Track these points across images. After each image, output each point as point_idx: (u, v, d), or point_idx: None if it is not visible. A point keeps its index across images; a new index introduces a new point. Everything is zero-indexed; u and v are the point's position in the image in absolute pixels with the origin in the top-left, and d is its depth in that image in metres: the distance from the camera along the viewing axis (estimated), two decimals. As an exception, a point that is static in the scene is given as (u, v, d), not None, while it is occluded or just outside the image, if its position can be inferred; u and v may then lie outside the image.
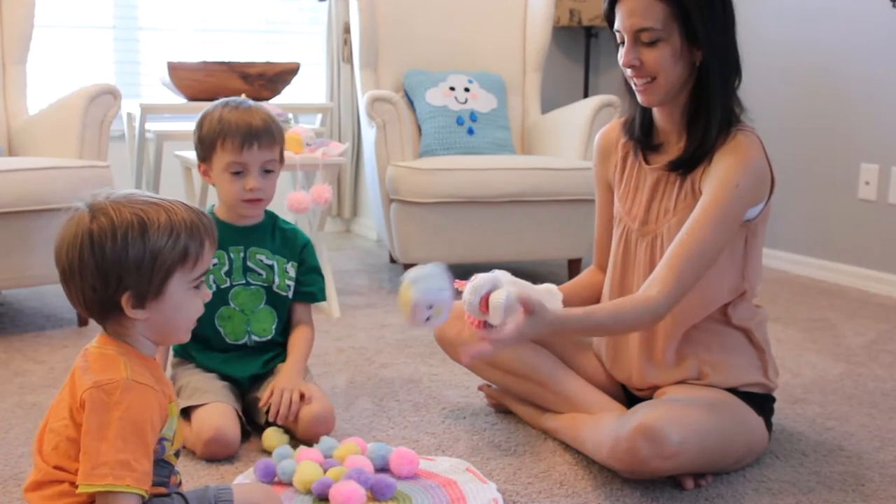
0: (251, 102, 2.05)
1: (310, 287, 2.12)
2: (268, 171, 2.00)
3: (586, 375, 2.01)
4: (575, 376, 1.99)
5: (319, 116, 3.96)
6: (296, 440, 1.95)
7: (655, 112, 1.87)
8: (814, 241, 3.76)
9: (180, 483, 1.43)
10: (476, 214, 3.25)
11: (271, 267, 2.06)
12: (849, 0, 3.53)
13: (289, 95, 3.78)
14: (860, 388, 2.36)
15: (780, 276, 3.75)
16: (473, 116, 3.56)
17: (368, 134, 3.44)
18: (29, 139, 3.07)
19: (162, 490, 1.36)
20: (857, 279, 3.56)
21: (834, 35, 3.61)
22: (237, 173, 1.98)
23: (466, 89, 3.60)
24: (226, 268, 2.03)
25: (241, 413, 1.95)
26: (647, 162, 1.90)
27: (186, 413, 1.91)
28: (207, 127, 1.99)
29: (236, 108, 2.00)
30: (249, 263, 2.05)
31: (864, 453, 1.94)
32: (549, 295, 1.92)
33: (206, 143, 2.00)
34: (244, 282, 2.05)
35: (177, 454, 1.39)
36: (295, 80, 3.64)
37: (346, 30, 4.38)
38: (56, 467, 1.28)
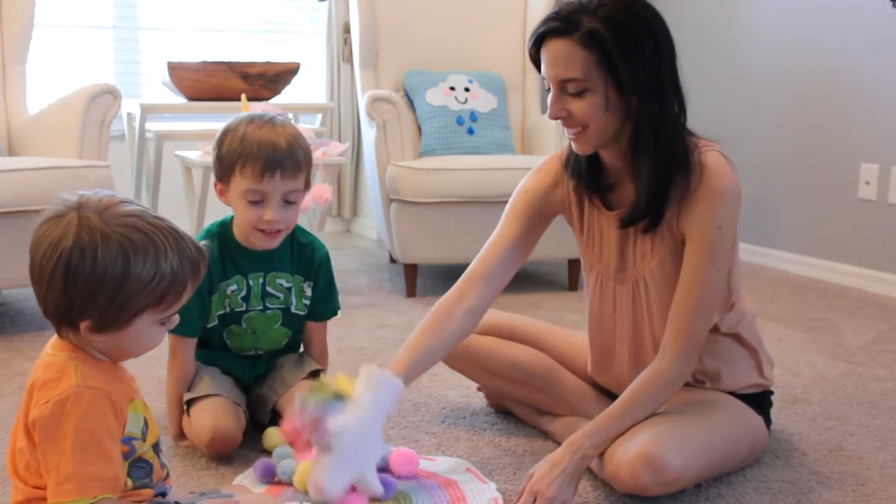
0: (280, 120, 1.85)
1: (320, 306, 2.01)
2: (289, 202, 1.82)
3: (582, 374, 2.00)
4: (572, 377, 1.99)
5: (319, 116, 3.97)
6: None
7: (600, 151, 1.73)
8: (814, 241, 3.76)
9: (167, 477, 1.38)
10: (476, 214, 3.24)
11: (290, 289, 1.95)
12: (849, 0, 3.53)
13: (289, 95, 3.79)
14: (860, 388, 2.36)
15: (780, 276, 3.75)
16: (473, 116, 3.56)
17: (368, 134, 3.44)
18: (29, 139, 3.07)
19: (147, 493, 1.32)
20: (857, 279, 3.56)
21: (834, 35, 3.61)
22: (256, 202, 1.80)
23: (466, 89, 3.60)
24: (243, 293, 1.92)
25: (243, 406, 1.94)
26: (605, 205, 1.77)
27: (188, 408, 1.92)
28: (228, 145, 1.80)
29: (261, 126, 1.80)
30: (269, 289, 1.93)
31: (864, 453, 1.94)
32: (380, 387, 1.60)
33: (226, 164, 1.81)
34: (261, 307, 1.94)
35: (156, 448, 1.34)
36: (295, 80, 3.65)
37: (346, 30, 4.38)
38: (36, 487, 1.25)
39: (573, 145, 1.71)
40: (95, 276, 1.19)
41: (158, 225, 1.24)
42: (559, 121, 1.68)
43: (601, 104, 1.62)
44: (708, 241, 1.66)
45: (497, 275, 1.83)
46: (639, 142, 1.66)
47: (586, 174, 1.77)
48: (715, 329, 1.78)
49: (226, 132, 1.83)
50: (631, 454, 1.60)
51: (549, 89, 1.67)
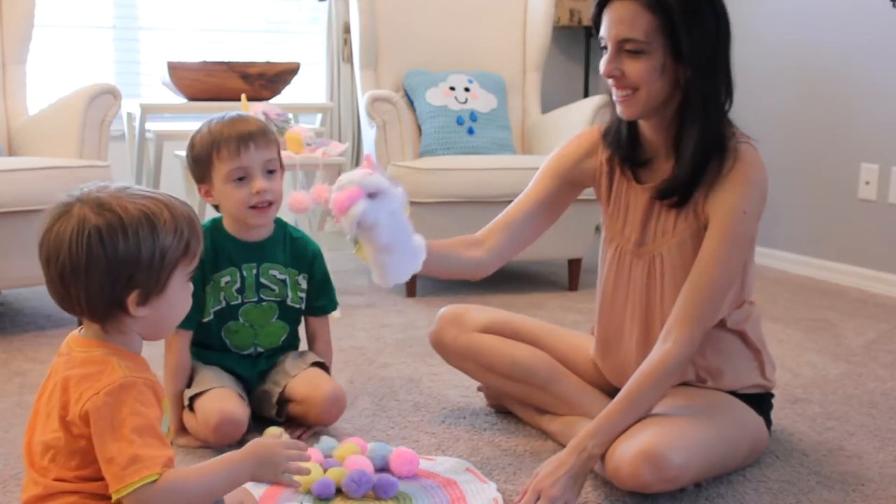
0: (235, 113, 1.98)
1: (319, 301, 2.07)
2: (271, 172, 1.92)
3: (582, 374, 2.01)
4: (571, 376, 1.99)
5: (319, 116, 3.97)
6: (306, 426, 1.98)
7: (641, 123, 1.78)
8: (814, 241, 3.76)
9: None
10: (476, 214, 3.22)
11: (284, 281, 2.00)
12: (849, 0, 3.53)
13: (289, 95, 3.79)
14: (860, 388, 2.36)
15: (780, 276, 3.75)
16: (473, 116, 3.56)
17: (368, 134, 3.44)
18: (29, 139, 3.07)
19: None
20: (857, 279, 3.56)
21: (834, 35, 3.61)
22: (240, 179, 1.89)
23: (466, 89, 3.60)
24: (237, 285, 1.97)
25: (246, 400, 1.96)
26: (636, 178, 1.82)
27: (191, 406, 1.92)
28: (199, 143, 1.92)
29: (221, 119, 1.93)
30: (263, 280, 1.99)
31: (864, 453, 1.94)
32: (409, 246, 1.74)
33: (202, 159, 1.91)
34: (256, 299, 1.99)
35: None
36: (295, 80, 3.65)
37: (346, 30, 4.38)
38: (57, 479, 1.26)
39: (619, 108, 1.74)
40: (130, 243, 1.23)
41: (152, 191, 1.31)
42: (611, 81, 1.71)
43: (657, 68, 1.66)
44: (730, 224, 1.69)
45: (518, 228, 1.90)
46: (686, 114, 1.71)
47: (626, 145, 1.80)
48: (721, 325, 1.80)
49: (193, 137, 1.95)
50: (632, 452, 1.61)
51: (605, 47, 1.71)
